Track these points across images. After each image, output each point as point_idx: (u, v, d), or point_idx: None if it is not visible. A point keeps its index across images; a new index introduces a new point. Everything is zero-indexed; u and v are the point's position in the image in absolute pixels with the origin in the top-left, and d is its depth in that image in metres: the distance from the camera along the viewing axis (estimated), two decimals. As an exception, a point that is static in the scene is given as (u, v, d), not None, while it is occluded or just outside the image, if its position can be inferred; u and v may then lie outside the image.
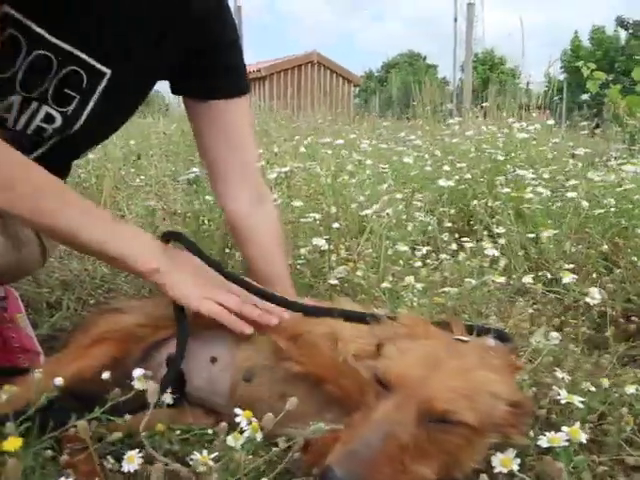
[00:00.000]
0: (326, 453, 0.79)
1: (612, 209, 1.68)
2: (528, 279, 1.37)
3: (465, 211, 2.31)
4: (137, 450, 0.82)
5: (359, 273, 1.46)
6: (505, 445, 0.77)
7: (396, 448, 0.69)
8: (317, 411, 0.96)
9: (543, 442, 0.76)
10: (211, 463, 0.74)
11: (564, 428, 0.76)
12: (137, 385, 0.86)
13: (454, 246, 1.69)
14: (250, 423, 0.77)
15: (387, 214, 1.82)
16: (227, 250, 1.79)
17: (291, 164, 1.87)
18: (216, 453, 0.76)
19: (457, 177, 2.23)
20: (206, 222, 1.90)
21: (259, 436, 0.77)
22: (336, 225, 1.69)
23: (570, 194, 1.71)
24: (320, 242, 1.45)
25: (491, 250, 1.44)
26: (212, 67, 1.25)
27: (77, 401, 0.90)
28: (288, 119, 5.44)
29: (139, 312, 1.09)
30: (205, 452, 0.76)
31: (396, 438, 0.70)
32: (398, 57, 39.85)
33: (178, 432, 0.91)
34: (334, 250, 1.49)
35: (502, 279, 1.27)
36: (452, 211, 2.27)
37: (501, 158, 2.42)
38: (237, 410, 0.79)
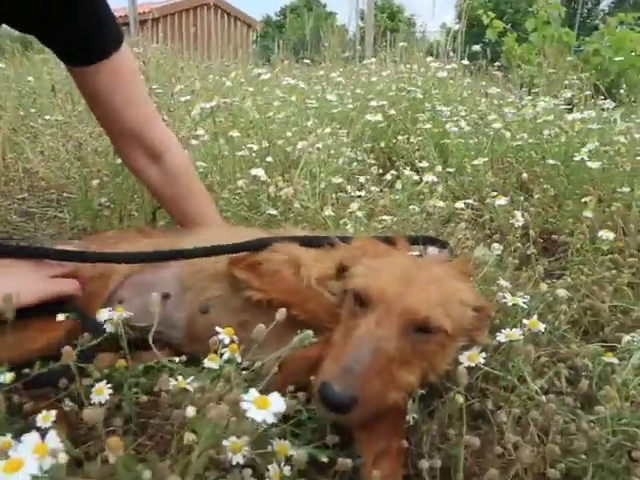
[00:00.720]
0: (298, 372, 0.82)
1: (528, 141, 1.80)
2: (460, 204, 1.45)
3: (388, 147, 2.37)
4: (104, 382, 0.79)
5: (297, 205, 1.46)
6: (469, 346, 0.84)
7: (384, 361, 0.73)
8: (280, 336, 0.98)
9: (502, 337, 0.84)
10: (190, 387, 0.72)
11: (524, 321, 0.84)
12: (108, 328, 0.83)
13: (389, 177, 1.73)
14: (231, 342, 0.76)
15: (317, 148, 1.82)
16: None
17: (217, 99, 1.78)
18: (192, 377, 0.75)
19: (380, 115, 2.25)
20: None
21: (238, 357, 0.77)
22: (269, 159, 1.66)
23: (495, 125, 1.80)
24: (259, 172, 1.42)
25: (430, 177, 1.49)
26: (83, 29, 1.14)
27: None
28: (198, 59, 5.17)
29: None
30: (180, 378, 0.74)
31: (383, 351, 0.73)
32: (297, 1, 38.91)
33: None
34: (271, 182, 1.47)
35: (442, 204, 1.33)
36: (376, 146, 2.32)
37: (420, 96, 2.48)
38: (218, 328, 0.78)
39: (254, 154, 1.60)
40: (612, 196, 1.67)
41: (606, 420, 0.80)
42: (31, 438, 0.50)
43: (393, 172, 1.83)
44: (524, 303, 0.95)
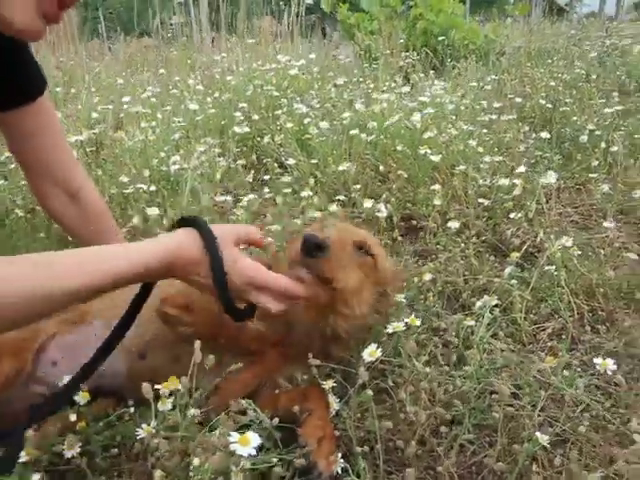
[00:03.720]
0: (233, 393, 0.99)
1: (379, 134, 2.06)
2: (333, 207, 1.67)
3: (254, 147, 2.52)
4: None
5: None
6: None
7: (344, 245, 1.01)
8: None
9: (389, 329, 1.07)
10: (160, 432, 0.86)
11: (405, 319, 1.08)
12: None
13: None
14: (178, 390, 0.90)
15: (196, 166, 1.93)
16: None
17: (87, 132, 1.78)
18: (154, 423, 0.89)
19: (244, 119, 2.38)
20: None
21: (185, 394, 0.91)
22: (153, 188, 1.74)
23: (353, 132, 2.03)
24: (153, 212, 1.50)
25: (307, 192, 1.68)
26: (8, 75, 1.18)
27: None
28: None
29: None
30: (145, 425, 0.88)
31: (342, 241, 1.01)
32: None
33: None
34: (165, 215, 1.57)
35: (318, 213, 1.53)
36: (244, 149, 2.47)
37: (277, 94, 2.65)
38: (144, 387, 0.89)
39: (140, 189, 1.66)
40: (452, 172, 2.01)
41: (473, 374, 1.08)
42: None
43: (265, 177, 2.02)
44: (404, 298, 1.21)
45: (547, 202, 1.89)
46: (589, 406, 1.03)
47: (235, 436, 0.70)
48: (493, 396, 1.04)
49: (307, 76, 2.96)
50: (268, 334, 1.10)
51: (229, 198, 1.85)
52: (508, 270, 1.42)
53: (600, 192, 2.01)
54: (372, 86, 2.83)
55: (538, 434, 0.85)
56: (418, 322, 1.06)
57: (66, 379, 1.03)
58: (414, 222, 1.75)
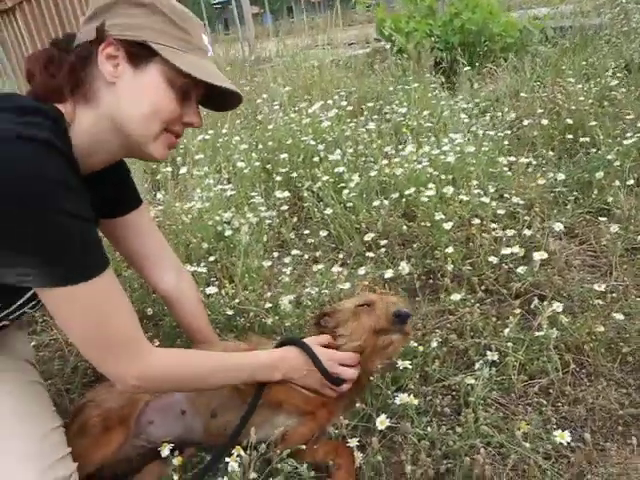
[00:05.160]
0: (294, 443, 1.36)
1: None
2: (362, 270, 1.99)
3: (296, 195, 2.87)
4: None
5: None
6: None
7: None
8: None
9: (397, 401, 1.40)
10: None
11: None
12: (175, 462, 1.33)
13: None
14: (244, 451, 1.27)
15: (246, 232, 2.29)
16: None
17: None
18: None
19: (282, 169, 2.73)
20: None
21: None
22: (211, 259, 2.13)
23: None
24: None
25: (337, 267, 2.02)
26: (120, 192, 1.53)
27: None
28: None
29: (116, 397, 1.48)
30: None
31: None
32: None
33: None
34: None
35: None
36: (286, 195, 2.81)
37: (313, 143, 2.97)
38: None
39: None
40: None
41: (464, 435, 1.39)
42: None
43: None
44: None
45: (555, 252, 2.13)
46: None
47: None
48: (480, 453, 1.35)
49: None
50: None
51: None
52: (507, 331, 1.71)
53: (610, 232, 2.19)
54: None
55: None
56: (416, 402, 1.38)
57: (160, 432, 1.45)
58: (431, 279, 2.06)
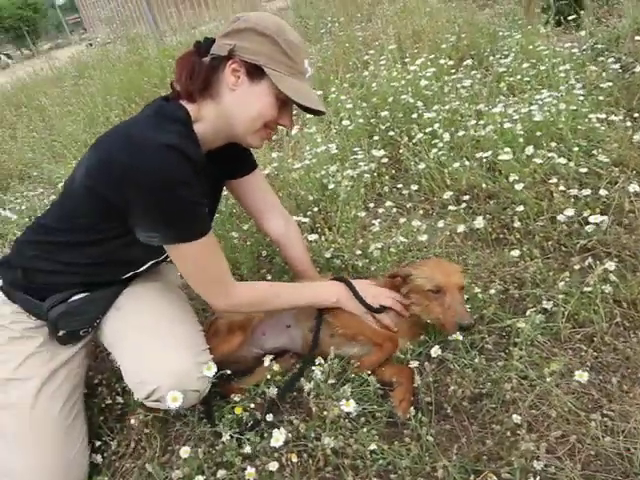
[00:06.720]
0: (367, 366, 1.79)
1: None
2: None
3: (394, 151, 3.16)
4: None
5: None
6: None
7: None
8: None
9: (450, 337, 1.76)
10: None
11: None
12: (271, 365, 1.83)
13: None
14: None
15: (352, 177, 2.67)
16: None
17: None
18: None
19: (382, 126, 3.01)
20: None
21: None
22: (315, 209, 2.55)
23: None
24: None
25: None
26: (237, 160, 1.98)
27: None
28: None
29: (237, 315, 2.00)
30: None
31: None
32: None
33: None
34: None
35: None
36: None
37: (412, 100, 3.21)
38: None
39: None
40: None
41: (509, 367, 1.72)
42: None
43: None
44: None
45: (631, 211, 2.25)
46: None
47: (343, 401, 1.50)
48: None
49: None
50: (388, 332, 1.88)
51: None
52: (562, 284, 1.95)
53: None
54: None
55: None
56: (461, 338, 1.73)
57: (270, 342, 1.98)
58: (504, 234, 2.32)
